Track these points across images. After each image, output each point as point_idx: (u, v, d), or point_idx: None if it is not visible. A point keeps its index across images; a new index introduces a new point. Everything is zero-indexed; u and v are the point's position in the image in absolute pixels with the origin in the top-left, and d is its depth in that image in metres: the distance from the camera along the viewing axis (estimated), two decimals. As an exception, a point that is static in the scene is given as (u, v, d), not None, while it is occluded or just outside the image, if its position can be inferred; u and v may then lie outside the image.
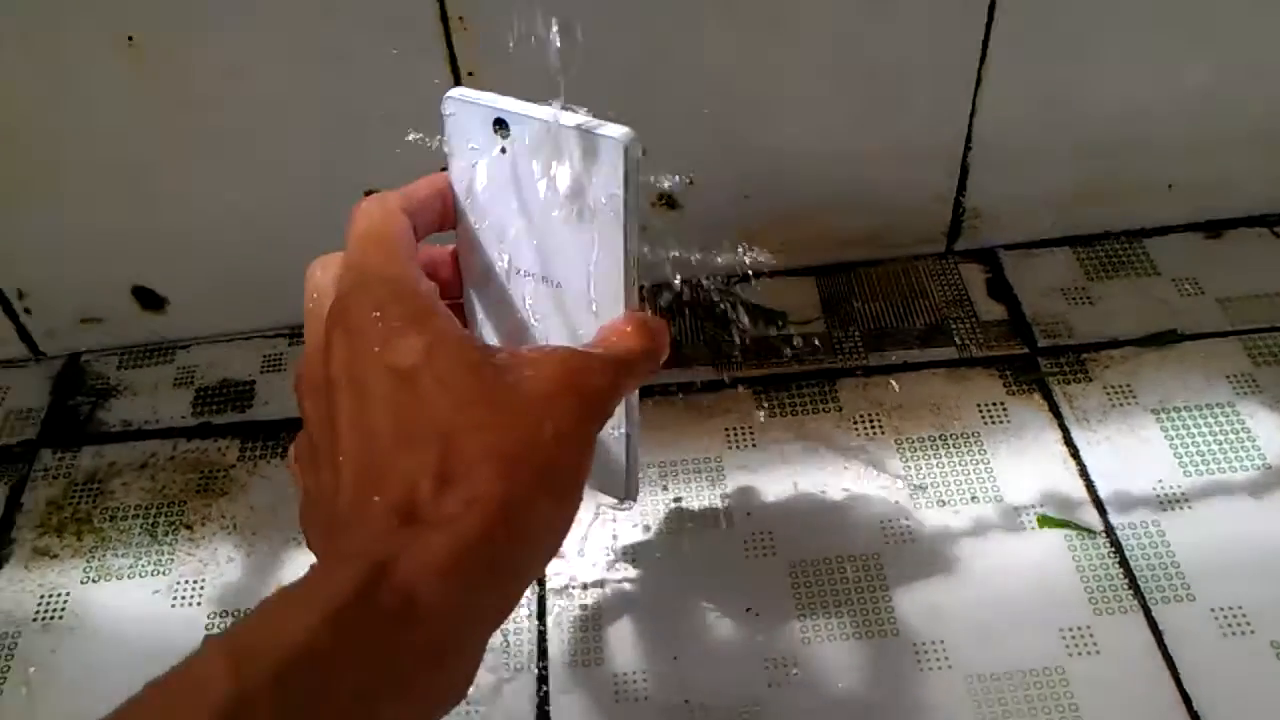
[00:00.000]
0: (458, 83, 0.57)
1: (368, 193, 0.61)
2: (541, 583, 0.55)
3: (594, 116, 0.37)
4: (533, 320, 0.42)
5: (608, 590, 0.54)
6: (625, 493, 0.44)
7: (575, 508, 0.34)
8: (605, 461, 0.44)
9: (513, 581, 0.32)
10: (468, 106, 0.39)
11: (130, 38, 0.54)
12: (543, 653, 0.52)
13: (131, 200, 0.62)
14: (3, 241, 0.63)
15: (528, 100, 0.38)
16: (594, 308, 0.40)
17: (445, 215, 0.41)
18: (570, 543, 0.56)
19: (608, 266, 0.39)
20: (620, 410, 0.41)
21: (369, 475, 0.32)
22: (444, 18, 0.54)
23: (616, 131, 0.36)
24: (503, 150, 0.39)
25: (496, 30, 0.55)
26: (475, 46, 0.56)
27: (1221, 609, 0.50)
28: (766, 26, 0.57)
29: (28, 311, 0.67)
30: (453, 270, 0.43)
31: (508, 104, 0.39)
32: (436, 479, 0.30)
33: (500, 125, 0.39)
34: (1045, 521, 0.54)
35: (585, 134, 0.37)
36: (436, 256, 0.43)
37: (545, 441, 0.32)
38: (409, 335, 0.33)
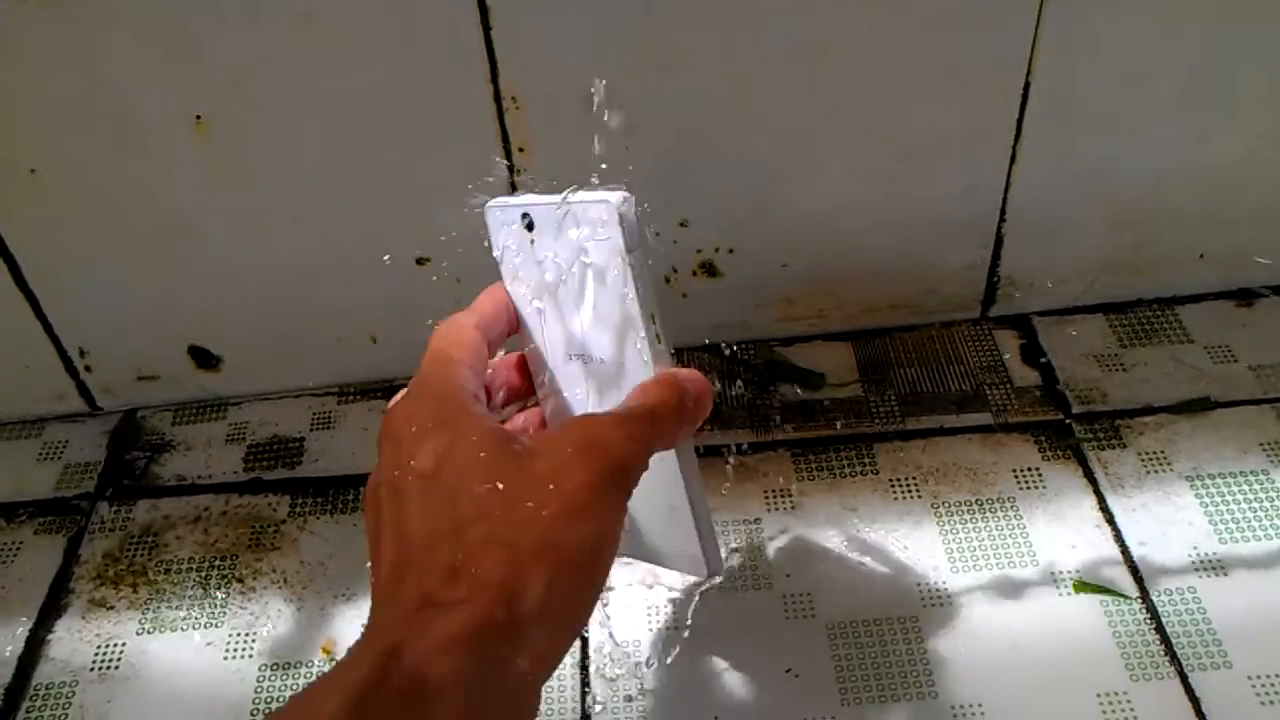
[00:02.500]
0: (509, 157, 0.59)
1: (418, 260, 0.64)
2: (585, 644, 0.56)
3: (620, 189, 0.39)
4: (589, 401, 0.43)
5: (649, 650, 0.55)
6: (708, 569, 0.42)
7: (592, 576, 0.34)
8: (676, 541, 0.43)
9: (525, 656, 0.32)
10: (502, 211, 0.42)
11: (198, 116, 0.57)
12: (585, 713, 0.53)
13: (190, 264, 0.64)
14: (68, 302, 0.66)
15: (562, 188, 0.40)
16: (630, 376, 0.41)
17: (511, 322, 0.43)
18: (615, 606, 0.57)
19: (631, 330, 0.40)
20: (677, 484, 0.41)
21: (397, 572, 0.34)
22: (497, 98, 0.57)
23: (611, 196, 0.38)
24: (531, 242, 0.41)
25: (547, 109, 0.58)
26: (526, 125, 0.58)
27: (1259, 677, 0.51)
28: (803, 104, 0.59)
29: (88, 369, 0.69)
30: (520, 373, 0.45)
31: (530, 199, 0.41)
32: (447, 570, 0.32)
33: (527, 221, 0.41)
34: (1081, 587, 0.55)
35: (584, 205, 0.39)
36: (499, 364, 0.44)
37: (545, 518, 0.33)
38: (434, 438, 0.35)
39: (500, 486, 0.34)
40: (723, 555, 0.44)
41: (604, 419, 0.37)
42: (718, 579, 0.43)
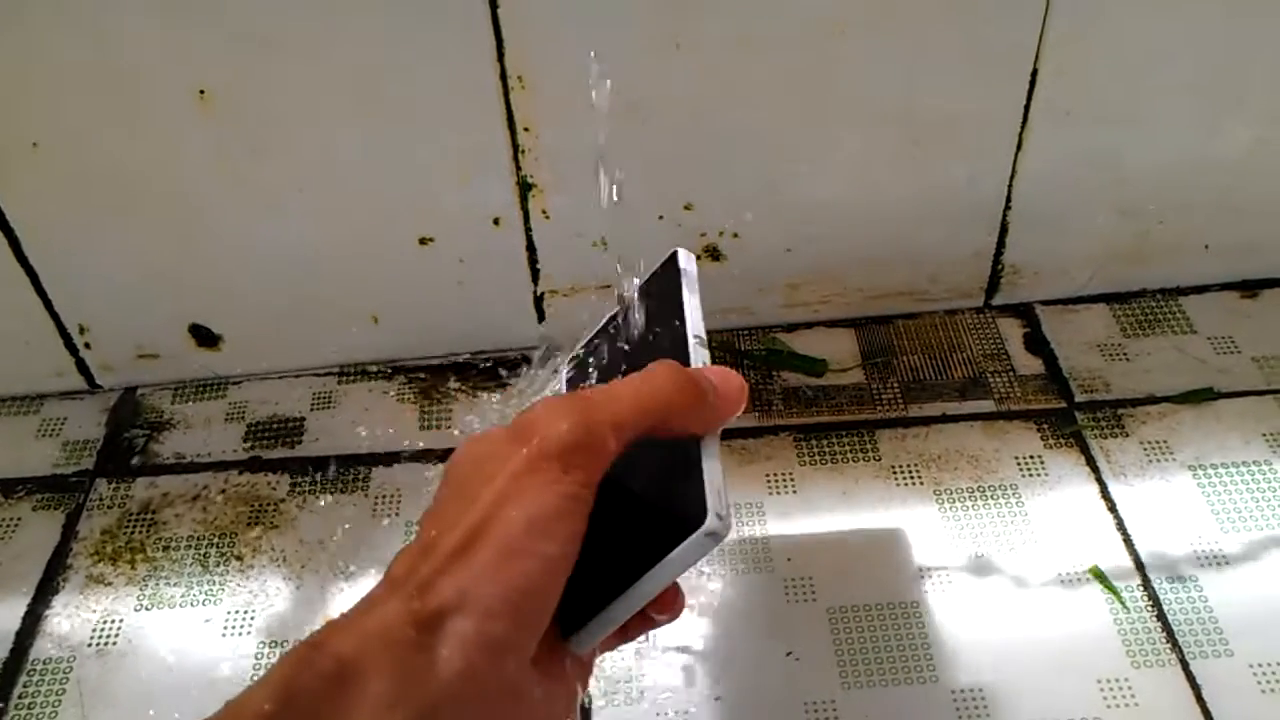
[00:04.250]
0: (514, 137, 0.59)
1: (422, 240, 0.64)
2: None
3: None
4: None
5: (651, 632, 0.55)
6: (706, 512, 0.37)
7: (519, 563, 0.33)
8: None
9: (448, 645, 0.32)
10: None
11: (202, 90, 0.57)
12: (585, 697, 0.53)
13: (192, 241, 0.64)
14: (68, 278, 0.65)
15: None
16: None
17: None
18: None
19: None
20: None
21: None
22: (503, 76, 0.57)
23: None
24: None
25: (553, 89, 0.57)
26: (532, 104, 0.58)
27: (1260, 665, 0.51)
28: (810, 89, 0.59)
29: (88, 346, 0.69)
30: None
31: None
32: (389, 575, 0.34)
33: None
34: (1098, 574, 0.55)
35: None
36: None
37: (478, 509, 0.33)
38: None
39: (462, 482, 0.35)
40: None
41: (560, 401, 0.36)
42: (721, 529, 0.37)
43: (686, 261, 0.46)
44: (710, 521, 0.36)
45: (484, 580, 0.32)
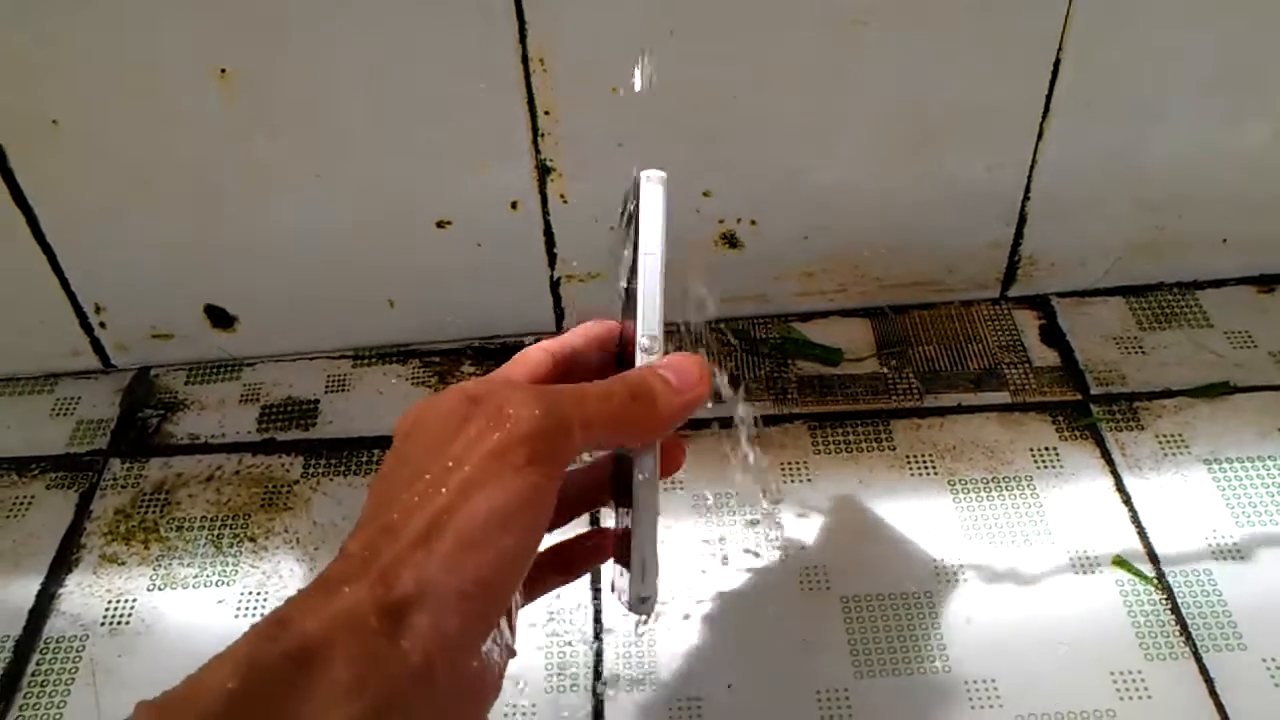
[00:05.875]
0: (534, 120, 0.59)
1: (439, 224, 0.64)
2: (599, 610, 0.56)
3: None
4: None
5: (665, 617, 0.55)
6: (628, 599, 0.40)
7: (483, 555, 0.33)
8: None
9: (409, 637, 0.32)
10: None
11: (223, 70, 0.56)
12: (599, 676, 0.53)
13: (209, 222, 0.64)
14: (85, 257, 0.65)
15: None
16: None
17: (597, 345, 0.44)
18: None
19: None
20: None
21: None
22: (525, 59, 0.56)
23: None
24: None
25: (574, 72, 0.57)
26: (553, 88, 0.57)
27: (1274, 659, 0.51)
28: (831, 76, 0.59)
29: (103, 325, 0.69)
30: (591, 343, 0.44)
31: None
32: (347, 551, 0.34)
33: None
34: (1120, 563, 0.55)
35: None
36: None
37: (443, 495, 0.33)
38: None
39: (421, 454, 0.35)
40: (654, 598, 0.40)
41: (530, 388, 0.36)
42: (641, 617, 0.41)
43: (649, 192, 0.40)
44: (633, 605, 0.38)
45: (443, 572, 0.32)
